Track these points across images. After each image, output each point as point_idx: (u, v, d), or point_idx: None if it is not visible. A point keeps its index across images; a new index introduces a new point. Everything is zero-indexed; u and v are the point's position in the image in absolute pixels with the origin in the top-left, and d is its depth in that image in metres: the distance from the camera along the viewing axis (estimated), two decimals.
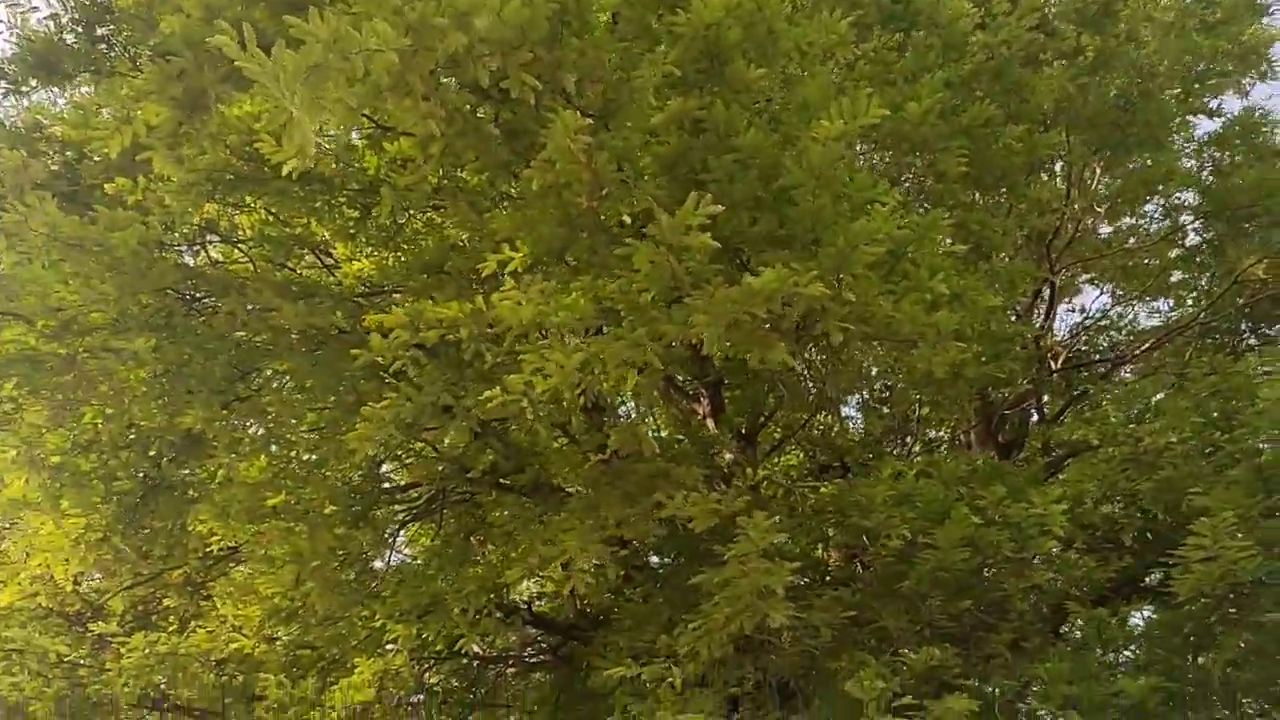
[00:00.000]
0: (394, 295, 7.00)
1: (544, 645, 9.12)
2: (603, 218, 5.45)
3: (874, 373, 11.42)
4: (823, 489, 7.48)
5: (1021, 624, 6.36)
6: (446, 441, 6.45)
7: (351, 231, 6.80)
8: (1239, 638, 6.11)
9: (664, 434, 10.34)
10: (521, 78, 4.49)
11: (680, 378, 9.24)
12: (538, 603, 9.02)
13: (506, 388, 4.44)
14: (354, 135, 6.77)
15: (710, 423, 8.73)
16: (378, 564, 7.64)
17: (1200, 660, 6.37)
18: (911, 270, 5.70)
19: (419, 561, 8.02)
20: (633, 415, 10.72)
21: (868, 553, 6.70)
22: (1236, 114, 10.54)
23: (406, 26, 3.89)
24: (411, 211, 6.56)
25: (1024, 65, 8.67)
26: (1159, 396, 9.53)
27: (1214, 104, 10.53)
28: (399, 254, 7.07)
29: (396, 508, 7.68)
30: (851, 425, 12.35)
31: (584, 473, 5.90)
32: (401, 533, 8.29)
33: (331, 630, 6.97)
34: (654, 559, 8.15)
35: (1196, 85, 10.19)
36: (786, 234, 5.73)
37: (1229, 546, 5.39)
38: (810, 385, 9.34)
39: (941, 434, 12.70)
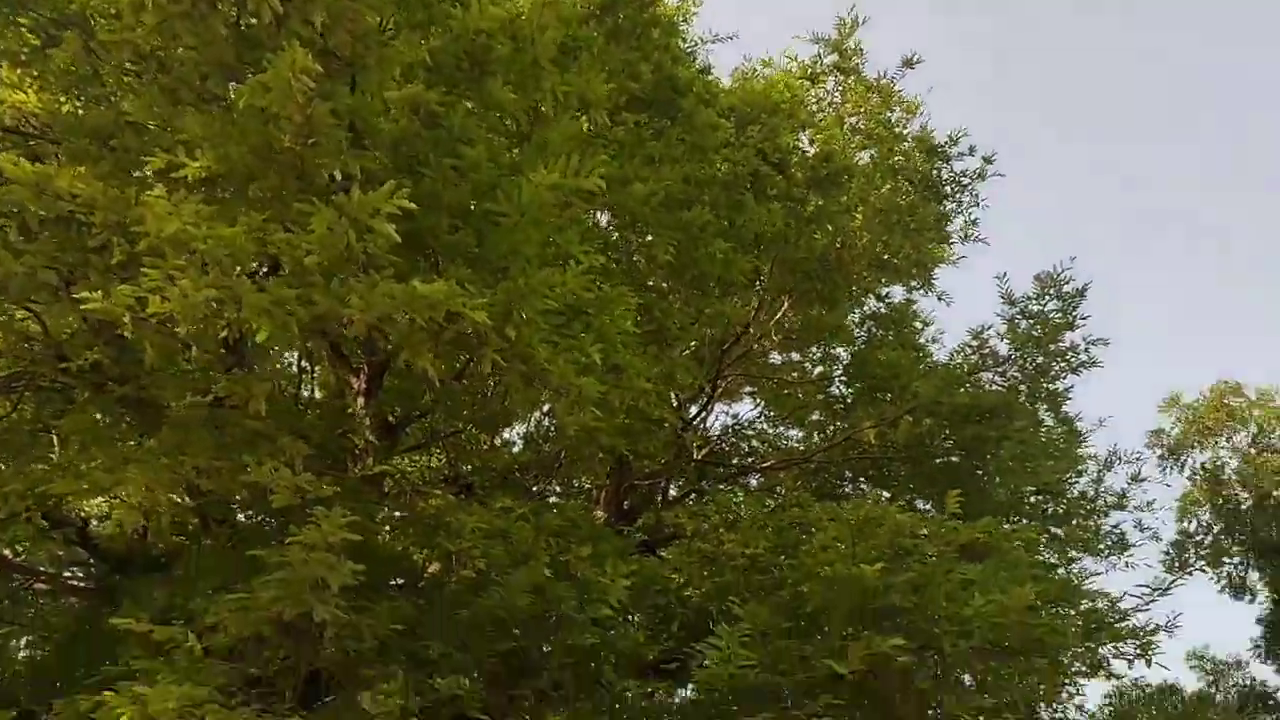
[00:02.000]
0: (51, 145, 6.17)
1: (91, 570, 8.28)
2: (304, 166, 5.23)
3: (545, 407, 11.89)
4: (433, 500, 7.55)
5: (560, 675, 6.81)
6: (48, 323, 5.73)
7: (24, 59, 5.92)
8: None
9: (317, 395, 9.96)
10: None
11: (348, 348, 8.98)
12: (100, 524, 8.18)
13: (114, 297, 4.07)
14: None
15: (360, 400, 8.53)
16: None
17: None
18: (578, 331, 6.03)
19: None
20: (292, 365, 10.22)
21: (450, 574, 6.85)
22: (897, 303, 12.36)
23: None
24: (103, 66, 5.86)
25: (753, 192, 9.62)
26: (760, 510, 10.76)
27: (884, 290, 12.29)
28: (74, 105, 6.25)
29: None
30: (508, 450, 12.66)
31: (186, 409, 5.51)
32: None
33: None
34: (242, 517, 7.73)
35: (879, 270, 11.85)
36: (480, 255, 5.84)
37: (739, 654, 6.20)
38: (470, 401, 9.47)
39: (582, 484, 13.34)
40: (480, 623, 6.27)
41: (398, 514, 8.24)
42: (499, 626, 6.54)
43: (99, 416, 6.41)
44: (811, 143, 10.05)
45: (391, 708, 4.82)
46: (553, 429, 12.32)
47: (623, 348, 6.97)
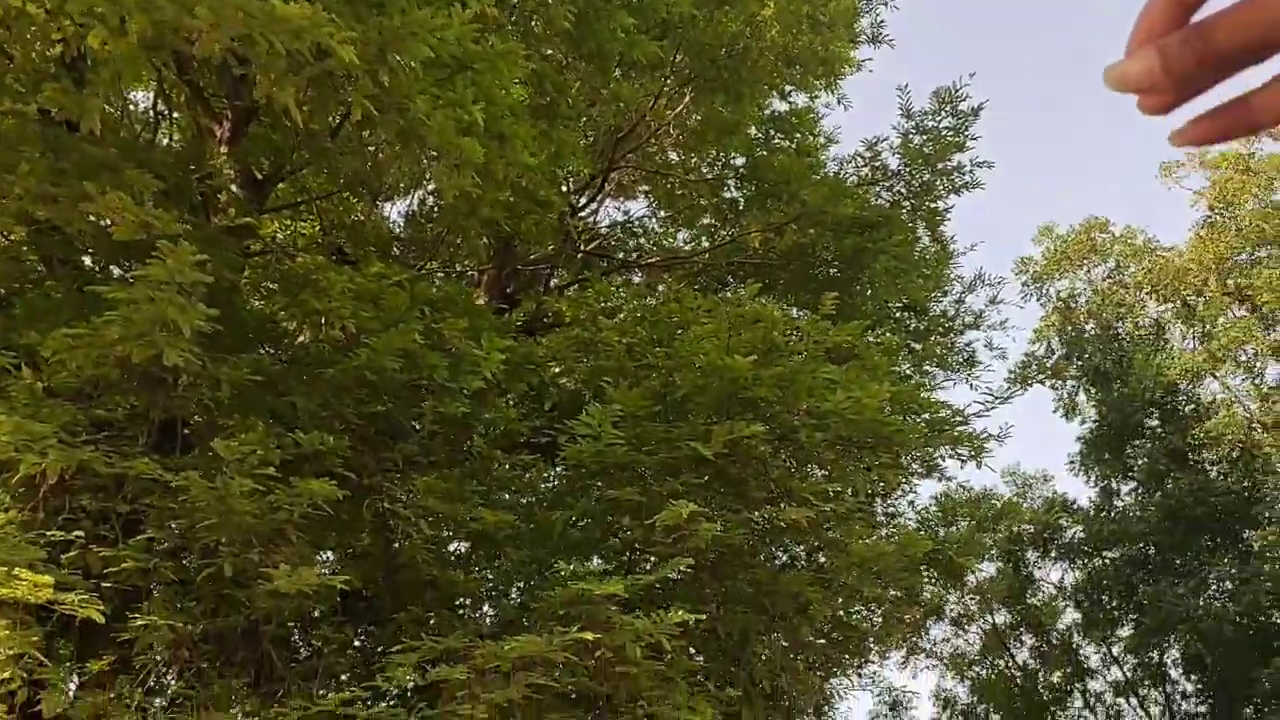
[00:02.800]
0: None
1: None
2: None
3: (430, 186, 11.35)
4: (299, 260, 7.19)
5: (429, 442, 6.88)
6: None
7: None
8: (589, 504, 7.35)
9: (174, 139, 9.12)
10: None
11: (210, 91, 8.16)
12: None
13: None
14: None
15: (223, 149, 7.86)
16: None
17: (555, 514, 7.54)
18: (460, 87, 5.60)
19: None
20: (148, 110, 9.26)
21: (319, 335, 6.64)
22: (798, 107, 12.13)
23: None
24: None
25: None
26: (640, 304, 10.85)
27: (789, 91, 11.99)
28: None
29: None
30: (387, 224, 12.16)
31: (15, 126, 4.88)
32: None
33: None
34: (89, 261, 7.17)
35: (786, 66, 11.50)
36: None
37: (609, 433, 6.38)
38: (350, 162, 8.88)
39: (465, 267, 13.05)
40: (347, 384, 6.16)
41: (263, 274, 7.87)
42: (368, 389, 6.46)
43: None
44: None
45: (247, 455, 4.72)
46: (436, 208, 11.86)
47: (509, 115, 6.57)
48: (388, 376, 6.18)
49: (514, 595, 8.45)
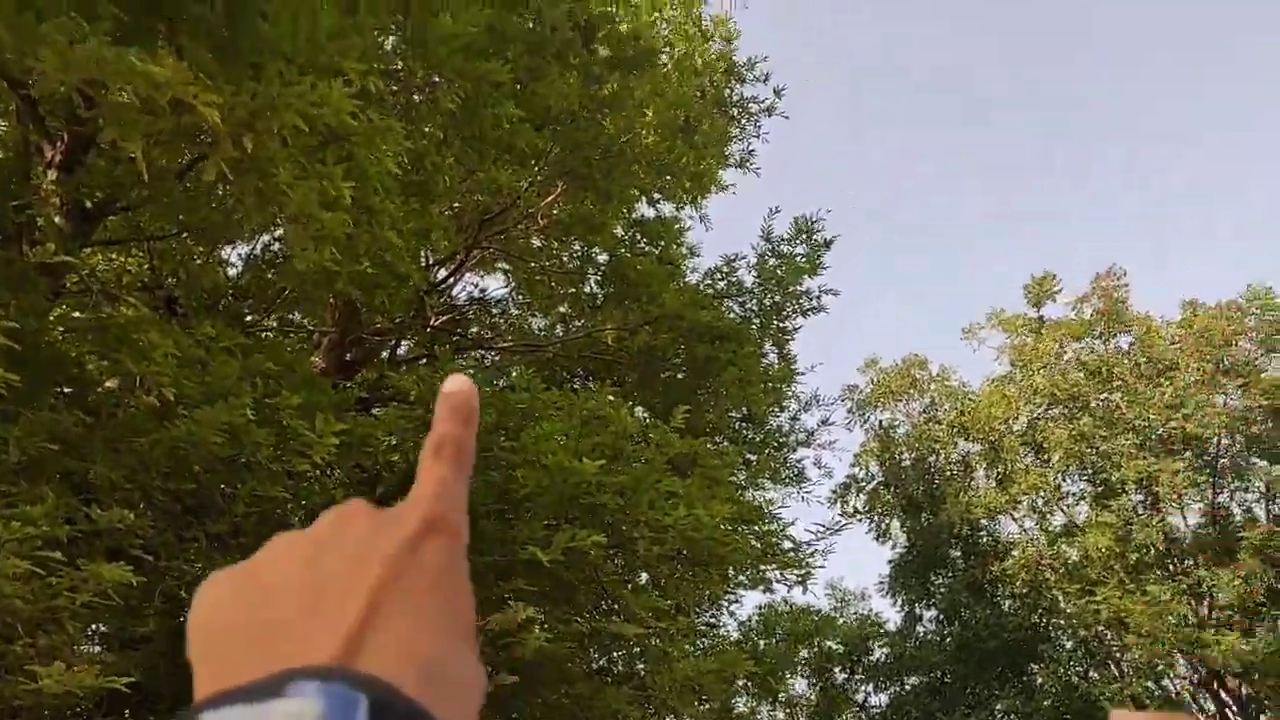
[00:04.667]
0: None
1: None
2: None
3: (278, 232, 10.77)
4: (124, 308, 6.56)
5: (243, 521, 6.31)
6: None
7: None
8: None
9: None
10: None
11: (46, 107, 7.47)
12: None
13: None
14: None
15: (52, 174, 7.17)
16: None
17: None
18: (329, 160, 5.37)
19: None
20: None
21: (129, 394, 6.01)
22: (664, 216, 12.50)
23: None
24: None
25: (557, 61, 9.09)
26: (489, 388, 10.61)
27: (658, 198, 12.36)
28: None
29: None
30: (225, 271, 11.40)
31: None
32: None
33: None
34: None
35: (658, 174, 11.86)
36: (229, 43, 4.96)
37: None
38: (194, 207, 8.30)
39: (303, 324, 12.40)
40: (158, 456, 5.59)
41: (77, 314, 7.12)
42: (179, 462, 5.88)
43: None
44: (621, 21, 9.64)
45: (32, 533, 4.13)
46: (281, 257, 11.27)
47: (380, 190, 6.35)
48: (205, 450, 5.65)
49: None
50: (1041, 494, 18.19)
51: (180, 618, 6.41)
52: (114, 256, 9.98)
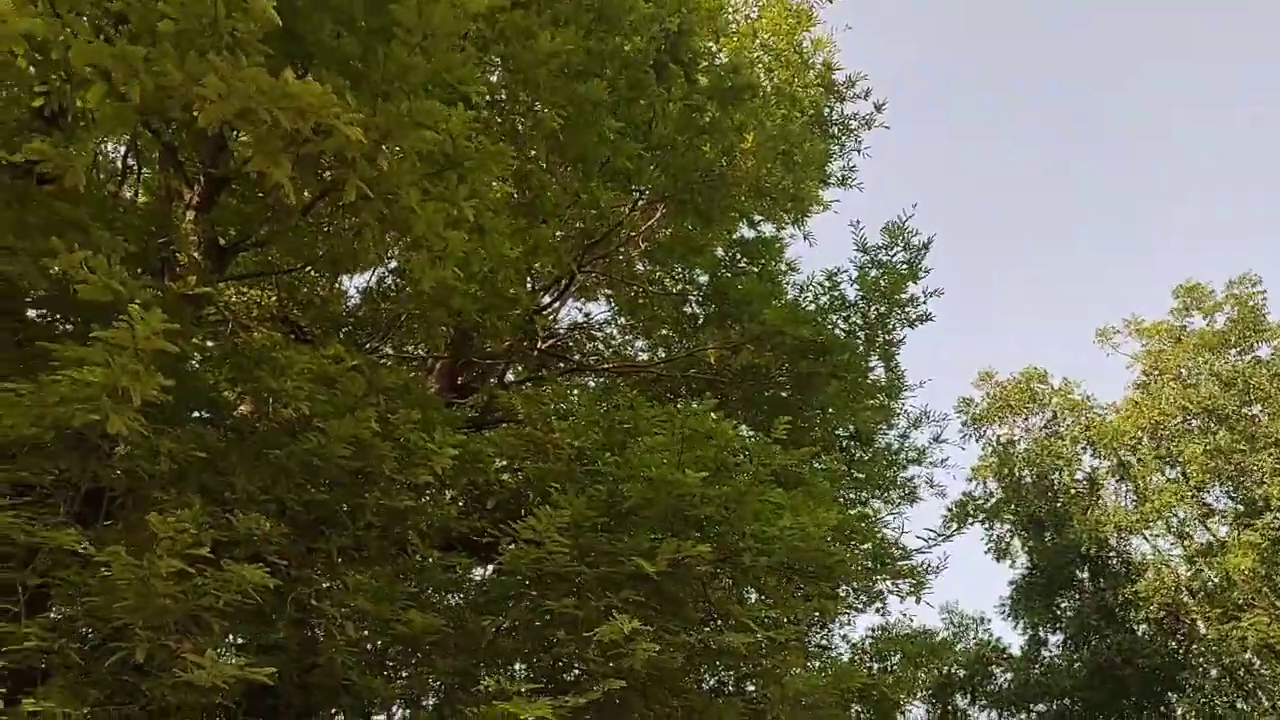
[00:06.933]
0: None
1: None
2: None
3: (391, 265, 11.33)
4: (257, 335, 7.04)
5: (365, 534, 6.62)
6: None
7: None
8: (523, 613, 7.11)
9: (139, 197, 9.02)
10: None
11: (185, 154, 8.13)
12: None
13: None
14: None
15: (190, 214, 7.77)
16: None
17: (486, 621, 7.25)
18: (453, 182, 5.65)
19: None
20: (117, 161, 9.17)
21: (264, 416, 6.44)
22: (765, 236, 12.52)
23: None
24: None
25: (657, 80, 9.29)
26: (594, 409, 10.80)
27: (757, 219, 12.40)
28: None
29: None
30: (345, 302, 12.04)
31: None
32: None
33: None
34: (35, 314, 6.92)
35: (757, 198, 11.92)
36: (362, 72, 5.32)
37: (554, 538, 6.22)
38: (319, 240, 8.85)
39: (417, 351, 12.93)
40: (289, 468, 5.95)
41: (212, 344, 7.67)
42: (310, 475, 6.24)
43: None
44: (720, 51, 9.80)
45: (181, 534, 4.48)
46: (393, 288, 11.81)
47: (490, 210, 6.63)
48: (334, 463, 5.99)
49: (429, 702, 8.03)
50: (1178, 513, 17.18)
51: (308, 628, 6.76)
52: (245, 290, 10.70)
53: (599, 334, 14.59)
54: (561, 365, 13.26)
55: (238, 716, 5.85)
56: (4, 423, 4.23)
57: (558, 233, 11.10)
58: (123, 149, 9.03)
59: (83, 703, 4.74)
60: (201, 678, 4.42)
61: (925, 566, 8.84)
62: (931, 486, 13.92)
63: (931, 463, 13.64)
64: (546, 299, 12.30)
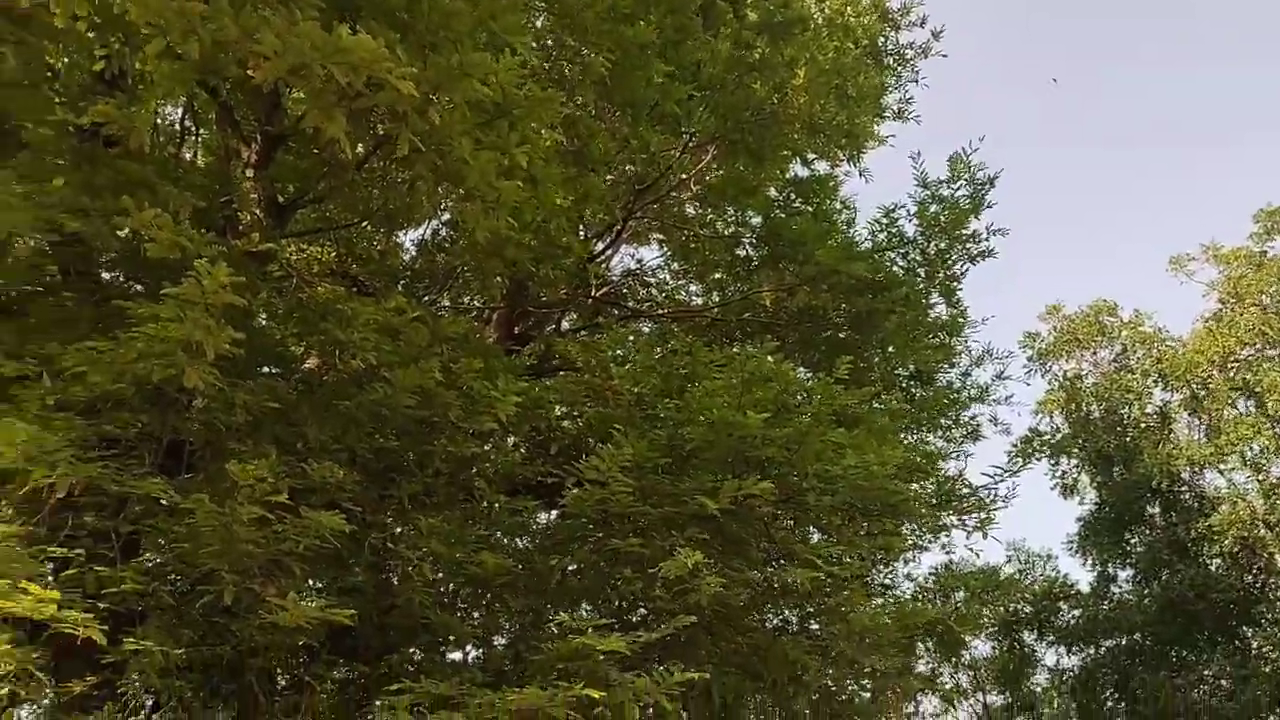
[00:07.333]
0: None
1: None
2: None
3: (444, 216, 11.39)
4: (320, 289, 7.17)
5: (434, 481, 6.78)
6: None
7: None
8: (589, 553, 7.24)
9: (199, 158, 9.17)
10: None
11: (241, 113, 8.23)
12: None
13: None
14: None
15: (250, 173, 7.90)
16: None
17: (554, 561, 7.41)
18: (504, 131, 5.63)
19: None
20: (175, 123, 9.32)
21: (330, 368, 6.59)
22: (819, 174, 12.25)
23: None
24: None
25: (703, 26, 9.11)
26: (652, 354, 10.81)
27: (811, 157, 12.13)
28: None
29: None
30: (401, 255, 12.16)
31: (52, 136, 4.88)
32: None
33: None
34: (108, 275, 7.14)
35: (811, 134, 11.64)
36: (408, 24, 5.30)
37: (617, 478, 6.30)
38: (373, 192, 8.93)
39: (474, 302, 13.04)
40: (360, 417, 6.10)
41: (278, 299, 7.83)
42: (379, 424, 6.39)
43: None
44: None
45: (253, 479, 4.63)
46: (448, 240, 11.88)
47: (541, 158, 6.61)
48: (400, 412, 6.12)
49: (501, 642, 8.27)
50: (1254, 445, 16.64)
51: (384, 572, 6.98)
52: (304, 247, 10.88)
53: (652, 280, 14.52)
54: (616, 312, 13.25)
55: (321, 655, 6.09)
56: (88, 379, 4.40)
57: (608, 179, 11.03)
58: (180, 111, 9.18)
59: (177, 642, 4.99)
60: (285, 619, 4.61)
61: (991, 500, 8.74)
62: (995, 424, 13.69)
63: (995, 400, 13.39)
64: (599, 246, 12.26)
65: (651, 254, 14.44)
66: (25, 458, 4.01)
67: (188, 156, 9.16)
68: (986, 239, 11.42)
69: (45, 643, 4.46)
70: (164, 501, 4.85)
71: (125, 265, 6.21)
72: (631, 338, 11.53)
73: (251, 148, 8.05)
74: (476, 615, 8.12)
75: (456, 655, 7.78)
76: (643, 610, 8.07)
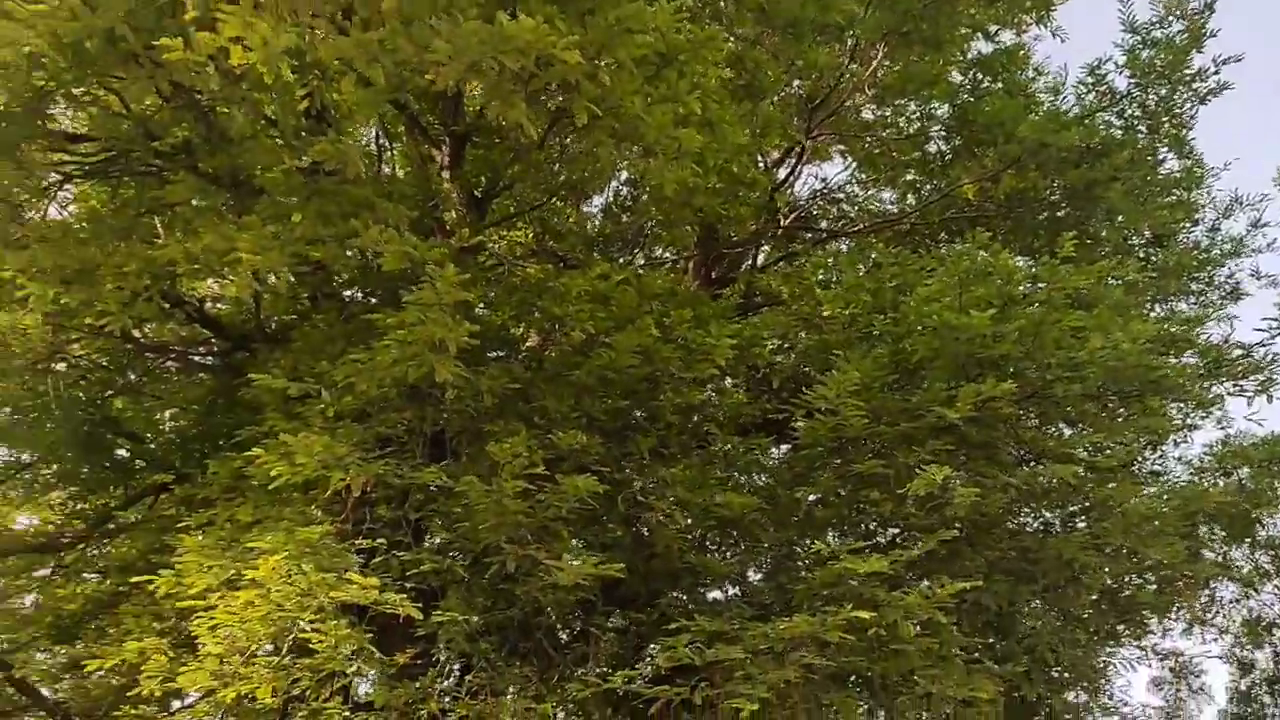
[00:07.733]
0: None
1: (214, 348, 8.69)
2: None
3: (623, 177, 11.58)
4: (530, 269, 7.53)
5: (667, 433, 7.01)
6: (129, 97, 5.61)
7: None
8: (831, 481, 7.23)
9: (397, 170, 9.85)
10: None
11: (426, 120, 8.73)
12: (217, 305, 8.49)
13: (194, 45, 3.86)
14: None
15: (446, 174, 8.39)
16: (32, 215, 6.74)
17: (797, 493, 7.46)
18: (673, 80, 5.63)
19: (78, 225, 7.13)
20: (370, 143, 10.06)
21: (550, 344, 6.94)
22: (1006, 46, 11.29)
23: None
24: None
25: None
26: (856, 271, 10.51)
27: (993, 29, 11.18)
28: None
29: (64, 156, 6.69)
30: (591, 222, 12.51)
31: (282, 178, 5.43)
32: (69, 188, 7.39)
33: None
34: (348, 293, 7.88)
35: (989, 6, 10.74)
36: None
37: (848, 404, 6.22)
38: (556, 168, 9.21)
39: (665, 254, 13.20)
40: (588, 384, 6.40)
41: (494, 288, 8.30)
42: (607, 388, 6.67)
43: (196, 199, 6.40)
44: None
45: (514, 455, 5.00)
46: (630, 200, 12.06)
47: (715, 100, 6.54)
48: (625, 374, 6.36)
49: (757, 577, 8.46)
50: None
51: (635, 526, 7.32)
52: (504, 234, 11.44)
53: (841, 195, 14.02)
54: (809, 236, 12.95)
55: (597, 608, 6.52)
56: (357, 389, 4.89)
57: (776, 100, 10.71)
58: (373, 130, 9.88)
59: (473, 611, 5.52)
60: (563, 578, 4.97)
61: (1269, 360, 7.81)
62: (1259, 278, 12.15)
63: (1255, 250, 11.88)
64: (781, 173, 12.01)
65: (835, 169, 13.92)
66: (323, 465, 4.55)
67: (388, 171, 9.87)
68: (1215, 72, 10.09)
69: (369, 623, 5.09)
70: (438, 487, 5.34)
71: (362, 281, 6.81)
72: (832, 259, 11.25)
73: (443, 150, 8.52)
74: (730, 555, 8.37)
75: (717, 594, 8.07)
76: (893, 531, 7.98)
